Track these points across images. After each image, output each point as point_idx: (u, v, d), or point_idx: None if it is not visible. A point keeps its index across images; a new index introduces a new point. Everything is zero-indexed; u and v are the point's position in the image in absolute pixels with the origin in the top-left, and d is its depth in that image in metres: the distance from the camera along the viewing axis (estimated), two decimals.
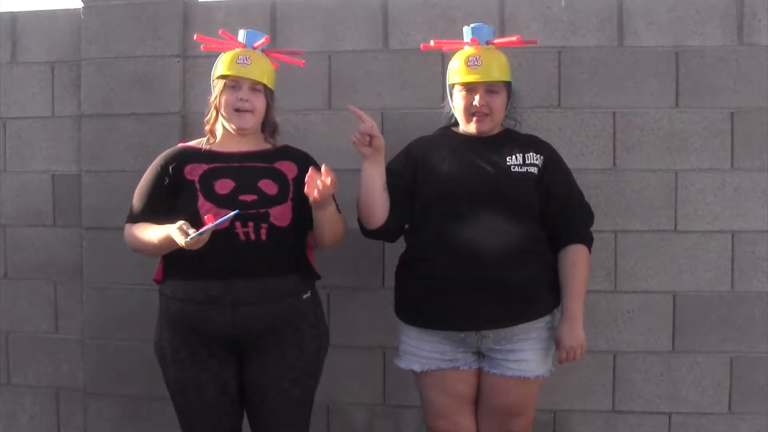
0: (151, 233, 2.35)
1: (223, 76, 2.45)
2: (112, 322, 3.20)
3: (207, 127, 2.50)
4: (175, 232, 2.19)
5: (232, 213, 2.21)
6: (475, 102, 2.48)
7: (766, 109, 2.94)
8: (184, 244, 2.17)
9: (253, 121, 2.45)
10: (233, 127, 2.45)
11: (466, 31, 2.57)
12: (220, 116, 2.48)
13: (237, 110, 2.43)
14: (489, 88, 2.48)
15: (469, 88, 2.50)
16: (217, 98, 2.45)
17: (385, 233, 2.54)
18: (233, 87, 2.43)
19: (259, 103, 2.46)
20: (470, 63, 2.49)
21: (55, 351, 3.34)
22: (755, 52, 2.94)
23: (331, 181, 2.23)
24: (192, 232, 2.15)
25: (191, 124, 3.13)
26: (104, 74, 3.19)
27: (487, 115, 2.49)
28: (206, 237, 2.17)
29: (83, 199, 3.24)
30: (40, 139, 3.33)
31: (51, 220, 3.32)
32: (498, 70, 2.49)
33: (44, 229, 3.33)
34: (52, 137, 3.32)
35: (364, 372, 3.09)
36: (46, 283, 3.34)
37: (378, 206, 2.45)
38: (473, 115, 2.50)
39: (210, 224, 2.15)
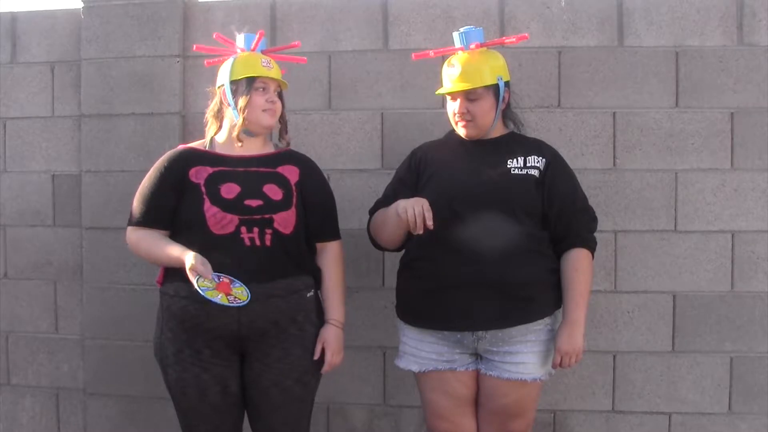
0: (163, 250, 2.35)
1: (251, 78, 2.44)
2: (112, 322, 3.20)
3: (207, 138, 2.50)
4: (188, 268, 2.22)
5: (243, 303, 2.25)
6: (456, 109, 2.49)
7: (766, 109, 2.94)
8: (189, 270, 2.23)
9: (276, 119, 2.50)
10: (263, 125, 2.47)
11: (455, 37, 2.56)
12: (227, 119, 2.48)
13: (265, 110, 2.46)
14: (468, 96, 2.48)
15: (451, 96, 2.51)
16: (245, 99, 2.43)
17: (395, 250, 2.59)
18: (263, 89, 2.45)
19: (279, 105, 2.51)
20: (449, 71, 2.50)
21: (55, 351, 3.35)
22: (755, 52, 2.94)
23: (338, 361, 2.50)
24: (200, 285, 2.20)
25: (191, 124, 3.13)
26: (104, 74, 3.19)
27: (470, 121, 2.49)
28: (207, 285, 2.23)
29: (83, 199, 3.24)
30: (40, 139, 3.33)
31: (51, 220, 3.33)
32: (475, 75, 2.46)
33: (44, 229, 3.33)
34: (52, 137, 3.32)
35: (364, 372, 3.10)
36: (46, 283, 3.34)
37: (397, 242, 2.51)
38: (458, 122, 2.51)
39: (215, 297, 2.21)
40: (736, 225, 2.96)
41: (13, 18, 3.35)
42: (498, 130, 2.57)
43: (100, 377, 3.25)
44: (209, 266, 2.22)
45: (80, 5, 3.24)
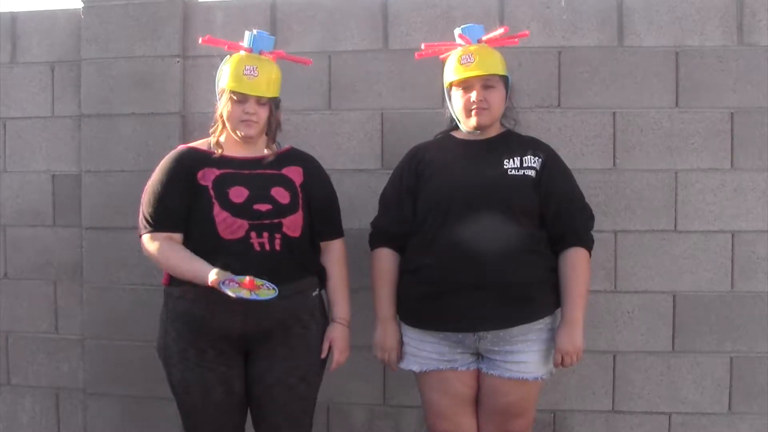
0: (184, 265, 2.31)
1: (229, 90, 2.41)
2: (112, 322, 3.20)
3: (213, 139, 2.47)
4: (212, 282, 2.20)
5: (272, 295, 2.23)
6: (473, 98, 2.49)
7: (766, 109, 2.94)
8: (210, 282, 2.21)
9: (257, 129, 2.44)
10: (239, 135, 2.44)
11: (458, 32, 2.57)
12: (225, 124, 2.46)
13: (243, 121, 2.42)
14: (485, 83, 2.48)
15: (466, 85, 2.50)
16: (223, 109, 2.43)
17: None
18: (240, 101, 2.41)
19: (264, 113, 2.45)
20: (464, 61, 2.50)
21: (55, 351, 3.35)
22: (755, 52, 2.94)
23: (345, 359, 2.55)
24: (231, 292, 2.18)
25: (191, 124, 3.14)
26: (104, 74, 3.19)
27: (485, 109, 2.49)
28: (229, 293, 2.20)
29: (83, 199, 3.24)
30: (40, 139, 3.33)
31: (51, 220, 3.32)
32: (492, 64, 2.49)
33: (44, 229, 3.33)
34: (52, 137, 3.32)
35: (364, 372, 3.09)
36: (46, 283, 3.34)
37: None
38: (472, 110, 2.50)
39: (247, 295, 2.19)
40: (736, 225, 2.96)
41: (13, 18, 3.35)
42: (495, 129, 2.58)
43: (100, 377, 3.25)
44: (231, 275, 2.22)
45: (80, 5, 3.24)
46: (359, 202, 2.94)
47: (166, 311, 2.45)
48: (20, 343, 3.38)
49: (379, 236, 2.60)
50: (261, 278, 2.24)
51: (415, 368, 2.54)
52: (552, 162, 2.52)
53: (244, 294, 2.19)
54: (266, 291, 2.23)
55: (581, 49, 3.00)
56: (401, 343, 2.56)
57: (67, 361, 3.34)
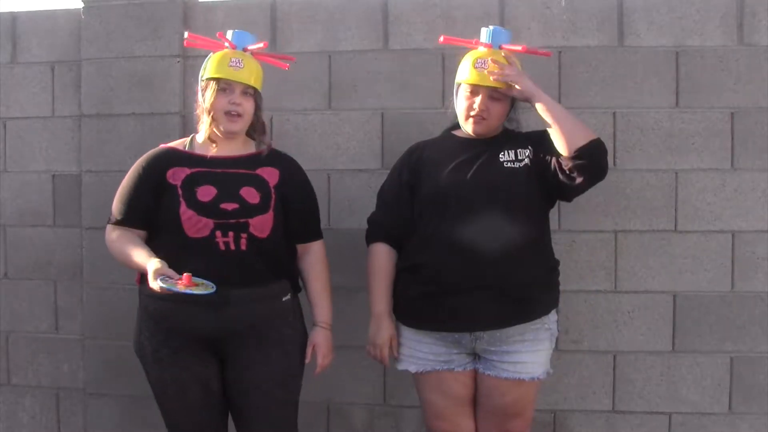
0: (131, 254, 2.34)
1: (215, 79, 2.39)
2: (112, 322, 3.20)
3: (206, 135, 2.43)
4: (151, 272, 2.21)
5: (209, 291, 2.20)
6: (476, 105, 2.48)
7: (766, 109, 2.94)
8: (152, 285, 2.20)
9: (242, 124, 2.42)
10: (222, 130, 2.41)
11: (484, 32, 2.53)
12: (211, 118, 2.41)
13: (227, 113, 2.39)
14: (491, 94, 2.46)
15: (473, 89, 2.49)
16: (208, 101, 2.40)
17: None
18: (225, 90, 2.39)
19: (249, 106, 2.42)
20: (477, 65, 2.46)
21: (55, 351, 3.35)
22: (755, 52, 2.94)
23: (328, 362, 2.51)
24: (163, 283, 2.16)
25: (191, 124, 3.12)
26: (104, 74, 3.19)
27: (484, 119, 2.49)
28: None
29: (83, 199, 3.24)
30: (40, 139, 3.33)
31: (51, 220, 3.33)
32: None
33: (44, 229, 3.33)
34: (52, 137, 3.32)
35: (364, 372, 3.09)
36: (46, 283, 3.34)
37: None
38: (471, 117, 2.50)
39: (181, 288, 2.16)
40: (736, 225, 2.96)
41: (13, 18, 3.35)
42: (495, 131, 2.57)
43: (100, 377, 3.25)
44: (172, 271, 2.21)
45: (80, 5, 3.24)
46: (359, 202, 2.94)
47: (140, 310, 2.45)
48: (20, 343, 3.38)
49: (376, 231, 2.60)
50: (200, 278, 2.21)
51: (412, 369, 2.54)
52: (544, 136, 2.44)
53: (179, 288, 2.16)
54: (203, 288, 2.20)
55: (581, 49, 3.00)
56: (397, 341, 2.54)
57: (67, 361, 3.34)
